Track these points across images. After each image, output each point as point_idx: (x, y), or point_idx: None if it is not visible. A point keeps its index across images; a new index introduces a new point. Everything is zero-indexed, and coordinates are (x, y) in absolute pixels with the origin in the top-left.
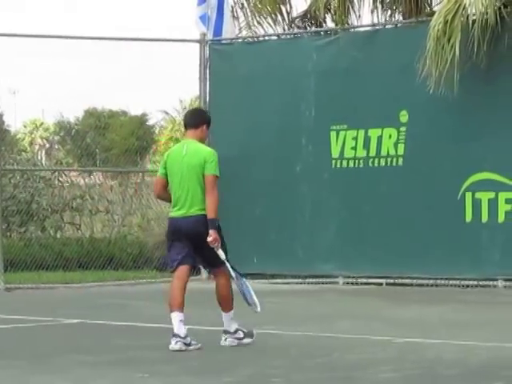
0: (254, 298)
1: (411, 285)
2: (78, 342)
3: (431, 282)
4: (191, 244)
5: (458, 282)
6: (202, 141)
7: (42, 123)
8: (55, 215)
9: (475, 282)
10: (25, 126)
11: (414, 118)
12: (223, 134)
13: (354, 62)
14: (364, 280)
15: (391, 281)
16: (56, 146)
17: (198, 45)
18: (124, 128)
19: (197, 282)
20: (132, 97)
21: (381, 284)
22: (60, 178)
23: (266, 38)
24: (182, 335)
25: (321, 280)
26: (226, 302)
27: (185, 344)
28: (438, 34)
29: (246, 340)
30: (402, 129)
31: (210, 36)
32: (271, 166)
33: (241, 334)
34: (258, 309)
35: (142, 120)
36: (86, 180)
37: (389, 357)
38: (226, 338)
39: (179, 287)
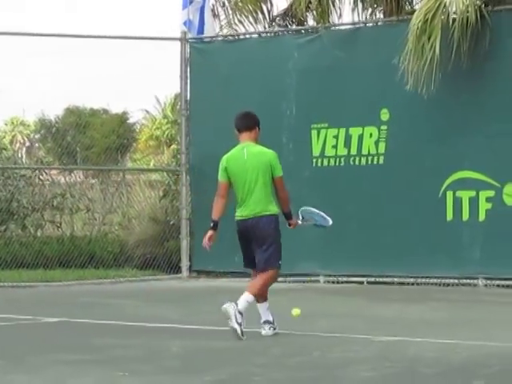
0: (323, 214)
1: (392, 283)
2: (58, 341)
3: (412, 280)
4: (254, 243)
5: (438, 280)
6: (256, 142)
7: (22, 121)
8: (36, 214)
9: (456, 281)
10: (6, 124)
11: (395, 116)
12: (204, 132)
13: (335, 61)
14: (345, 279)
15: (372, 279)
16: (37, 145)
17: (179, 43)
18: (105, 126)
19: (177, 280)
20: (113, 95)
21: (362, 283)
22: (41, 177)
23: (247, 36)
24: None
25: (302, 279)
26: (263, 293)
27: (274, 329)
28: (419, 33)
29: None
30: (383, 127)
31: (191, 35)
32: None
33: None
34: (330, 221)
35: (122, 118)
36: (67, 178)
37: (370, 355)
38: (270, 327)
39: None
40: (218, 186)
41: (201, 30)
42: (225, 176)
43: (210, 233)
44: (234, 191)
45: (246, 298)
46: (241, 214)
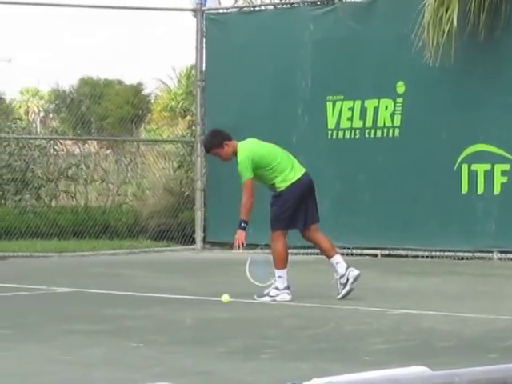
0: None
1: (406, 256)
2: (72, 311)
3: (426, 253)
4: (311, 197)
5: (452, 253)
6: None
7: (37, 92)
8: (50, 184)
9: (470, 254)
10: (22, 93)
11: (410, 89)
12: (219, 104)
13: (351, 32)
14: (359, 251)
15: (386, 252)
16: (51, 115)
17: (194, 14)
18: (119, 97)
19: (191, 251)
20: (127, 66)
21: (376, 255)
22: (55, 147)
23: (263, 7)
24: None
25: (316, 251)
26: (330, 247)
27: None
28: (436, 4)
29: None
30: (399, 100)
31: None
32: (267, 137)
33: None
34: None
35: (137, 89)
36: (81, 149)
37: (383, 328)
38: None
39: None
40: (247, 184)
41: (204, 1)
42: (251, 170)
43: (243, 234)
44: (271, 168)
45: (338, 258)
46: (299, 172)
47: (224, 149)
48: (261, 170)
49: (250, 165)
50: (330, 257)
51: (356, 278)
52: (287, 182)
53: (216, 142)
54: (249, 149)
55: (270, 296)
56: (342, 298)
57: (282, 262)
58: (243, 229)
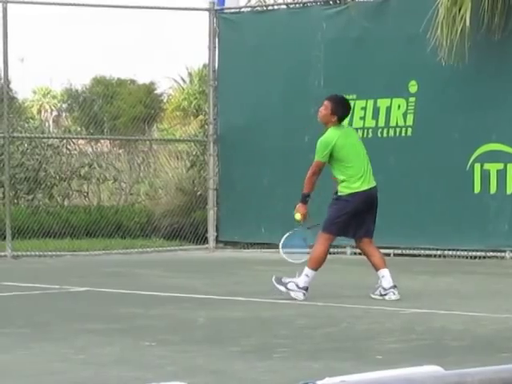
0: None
1: (419, 255)
2: (85, 310)
3: (439, 252)
4: (370, 212)
5: (465, 252)
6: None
7: (49, 91)
8: (63, 183)
9: (483, 253)
10: (34, 92)
11: (423, 88)
12: (232, 103)
13: (364, 32)
14: None
15: (399, 251)
16: (64, 114)
17: (207, 13)
18: (132, 96)
19: (204, 250)
20: (140, 66)
21: (389, 254)
22: (68, 146)
23: (275, 7)
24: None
25: (330, 250)
26: (379, 261)
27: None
28: (449, 4)
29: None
30: (411, 99)
31: (217, 5)
32: (280, 136)
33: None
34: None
35: (150, 88)
36: (94, 148)
37: (396, 327)
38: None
39: None
40: (316, 164)
41: (222, 1)
42: (326, 155)
43: (302, 207)
44: (342, 166)
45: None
46: (367, 184)
47: (327, 114)
48: (334, 161)
49: (328, 150)
50: (377, 270)
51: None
52: (349, 190)
53: (334, 106)
54: (336, 135)
55: (287, 288)
56: (373, 298)
57: (316, 264)
58: (304, 202)
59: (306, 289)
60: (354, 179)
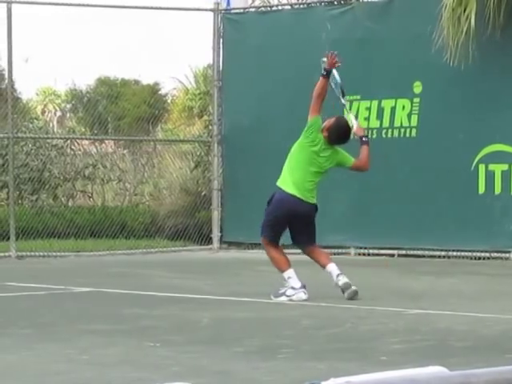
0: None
1: (423, 256)
2: (89, 311)
3: (443, 253)
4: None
5: (469, 253)
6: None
7: (54, 91)
8: (67, 183)
9: (487, 254)
10: (37, 94)
11: (427, 89)
12: (236, 104)
13: (368, 32)
14: (376, 251)
15: (403, 252)
16: (68, 115)
17: (211, 14)
18: (136, 97)
19: (208, 251)
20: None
21: (393, 255)
22: (72, 147)
23: (280, 7)
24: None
25: (333, 251)
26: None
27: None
28: (454, 4)
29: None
30: (416, 100)
31: (223, 5)
32: (283, 137)
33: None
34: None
35: (154, 89)
36: (98, 148)
37: (400, 328)
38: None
39: None
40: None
41: (229, 1)
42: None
43: (324, 81)
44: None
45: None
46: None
47: (325, 129)
48: (307, 145)
49: (317, 125)
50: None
51: (345, 285)
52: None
53: (332, 131)
54: (321, 141)
55: (287, 296)
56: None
57: (282, 265)
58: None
59: (304, 286)
60: (289, 175)
